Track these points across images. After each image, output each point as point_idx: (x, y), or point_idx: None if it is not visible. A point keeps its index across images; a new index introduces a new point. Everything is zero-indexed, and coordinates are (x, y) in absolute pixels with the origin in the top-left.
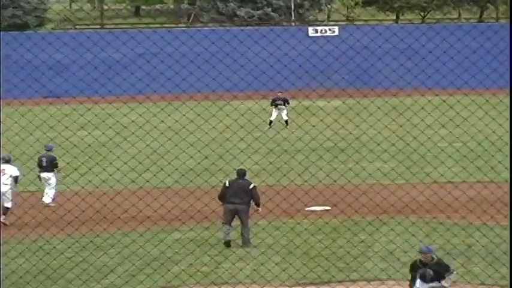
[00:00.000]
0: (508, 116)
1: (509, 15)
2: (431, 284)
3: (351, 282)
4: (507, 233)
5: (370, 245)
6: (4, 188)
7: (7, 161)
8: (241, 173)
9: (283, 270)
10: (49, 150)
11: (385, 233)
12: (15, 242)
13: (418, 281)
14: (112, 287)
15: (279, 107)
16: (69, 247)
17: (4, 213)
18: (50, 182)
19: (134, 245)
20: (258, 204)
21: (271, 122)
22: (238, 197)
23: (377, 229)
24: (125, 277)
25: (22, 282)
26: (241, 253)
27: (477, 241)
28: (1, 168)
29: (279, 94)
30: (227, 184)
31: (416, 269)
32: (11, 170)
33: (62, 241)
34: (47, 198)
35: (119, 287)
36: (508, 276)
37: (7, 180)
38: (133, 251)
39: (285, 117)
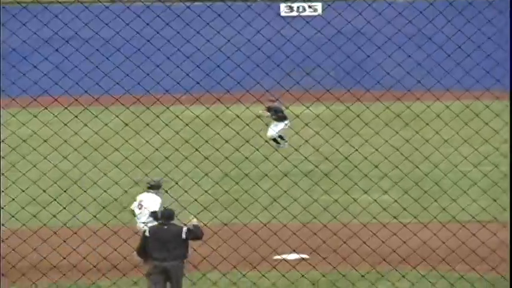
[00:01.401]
0: None
1: None
2: None
3: None
4: None
5: None
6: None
7: (152, 187)
8: (167, 216)
9: None
10: None
11: None
12: None
13: None
14: None
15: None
16: None
17: None
18: None
19: None
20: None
21: (281, 137)
22: (166, 251)
23: (373, 284)
24: None
25: None
26: None
27: None
28: (139, 200)
29: (274, 102)
30: (147, 233)
31: None
32: (152, 203)
33: None
34: None
35: None
36: None
37: (148, 219)
38: None
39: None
